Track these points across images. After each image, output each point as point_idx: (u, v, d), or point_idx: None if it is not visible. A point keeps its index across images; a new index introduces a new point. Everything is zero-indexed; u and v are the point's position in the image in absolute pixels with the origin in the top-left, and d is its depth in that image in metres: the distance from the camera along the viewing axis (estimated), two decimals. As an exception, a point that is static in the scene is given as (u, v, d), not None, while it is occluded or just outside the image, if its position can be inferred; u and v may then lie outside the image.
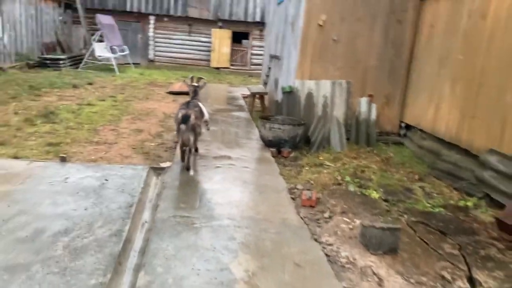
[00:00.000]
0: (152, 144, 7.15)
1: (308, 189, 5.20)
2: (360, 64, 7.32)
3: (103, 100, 10.73)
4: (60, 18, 19.33)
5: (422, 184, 5.64)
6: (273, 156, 6.60)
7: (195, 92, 6.27)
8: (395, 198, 5.09)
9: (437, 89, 6.42)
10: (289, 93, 7.32)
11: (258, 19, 22.69)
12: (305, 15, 7.03)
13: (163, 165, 6.03)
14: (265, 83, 11.69)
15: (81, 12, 18.86)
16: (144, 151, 6.68)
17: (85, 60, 17.08)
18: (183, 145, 5.50)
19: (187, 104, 5.80)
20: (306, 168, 6.15)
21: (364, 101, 7.39)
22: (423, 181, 5.77)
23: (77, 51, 20.28)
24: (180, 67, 22.26)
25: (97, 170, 5.19)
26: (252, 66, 23.64)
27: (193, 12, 22.35)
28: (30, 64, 15.56)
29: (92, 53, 17.30)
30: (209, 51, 22.96)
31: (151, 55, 22.85)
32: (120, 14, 22.05)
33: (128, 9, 21.97)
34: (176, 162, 5.78)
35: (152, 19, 22.42)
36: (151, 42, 22.72)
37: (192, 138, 5.42)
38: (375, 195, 5.18)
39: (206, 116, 6.09)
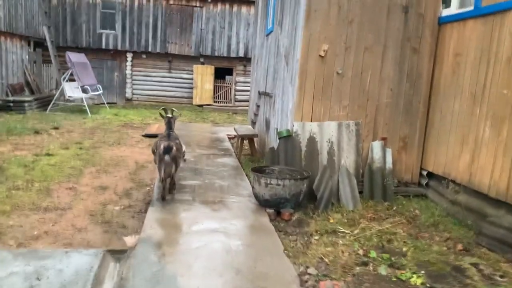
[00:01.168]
0: (117, 207, 5.66)
1: (325, 275, 3.78)
2: (370, 101, 6.07)
3: (67, 148, 9.24)
4: (27, 57, 17.95)
5: (472, 259, 4.25)
6: (271, 220, 5.18)
7: (169, 124, 6.31)
8: (446, 287, 3.69)
9: (472, 131, 5.16)
10: (287, 138, 5.99)
11: (241, 54, 21.74)
12: (302, 45, 5.81)
13: (127, 240, 4.55)
14: (253, 122, 10.39)
15: (51, 50, 17.57)
16: (105, 219, 5.19)
17: (53, 101, 15.63)
18: (166, 177, 5.61)
19: (168, 136, 5.94)
20: (316, 237, 4.73)
21: (377, 145, 6.10)
22: (472, 254, 4.40)
23: (47, 92, 18.84)
24: (160, 106, 20.83)
25: (29, 261, 3.67)
26: (236, 103, 22.49)
27: (173, 48, 21.30)
28: (-10, 108, 14.04)
29: (63, 94, 15.88)
30: (191, 88, 21.80)
31: (128, 93, 21.54)
32: (95, 51, 20.86)
33: (103, 46, 20.80)
34: (143, 240, 4.30)
35: (129, 56, 21.26)
36: (128, 80, 21.47)
37: (173, 169, 5.67)
38: (416, 280, 3.77)
39: (183, 148, 6.40)
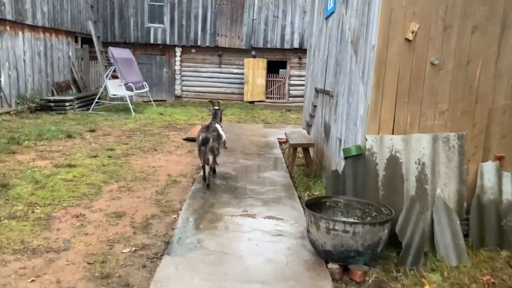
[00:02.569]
0: (126, 250, 4.25)
1: None
2: (480, 104, 4.19)
3: (94, 157, 8.08)
4: (74, 54, 17.36)
5: None
6: (334, 280, 3.54)
7: (215, 115, 7.05)
8: None
9: None
10: (357, 157, 4.26)
11: (296, 45, 19.96)
12: (380, 24, 4.05)
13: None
14: (309, 125, 8.70)
15: (97, 46, 16.83)
16: (104, 272, 3.78)
17: (96, 100, 14.79)
18: (205, 164, 6.16)
19: (206, 128, 6.43)
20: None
21: (490, 168, 4.22)
22: None
23: (94, 89, 18.21)
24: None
25: None
26: (290, 99, 20.78)
27: (223, 41, 19.95)
28: (32, 108, 13.40)
29: (107, 92, 15.03)
30: (241, 83, 20.38)
31: (178, 90, 20.52)
32: (143, 47, 20.01)
33: (151, 41, 19.88)
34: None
35: (178, 51, 20.19)
36: (177, 77, 20.43)
37: (211, 158, 6.11)
38: None
39: (224, 137, 6.71)
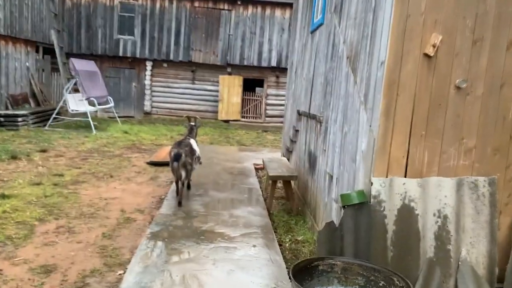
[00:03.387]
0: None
1: None
2: (515, 140, 3.28)
3: (38, 184, 6.83)
4: (33, 64, 15.97)
5: None
6: None
7: (191, 130, 7.14)
8: None
9: None
10: (359, 206, 3.25)
11: (274, 63, 19.17)
12: (393, 36, 3.10)
13: None
14: (289, 151, 7.71)
15: (59, 56, 15.50)
16: None
17: (54, 115, 13.43)
18: (178, 179, 6.09)
19: (179, 143, 6.42)
20: None
21: (527, 222, 3.28)
22: None
23: (55, 104, 16.78)
24: (181, 120, 18.51)
25: None
26: (267, 119, 19.88)
27: (197, 56, 18.96)
28: (-22, 123, 11.95)
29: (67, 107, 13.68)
30: (216, 101, 19.35)
31: (147, 106, 19.30)
32: (111, 59, 18.80)
33: (120, 53, 18.69)
34: None
35: (149, 65, 19.06)
36: (147, 92, 19.24)
37: (184, 174, 6.09)
38: None
39: (197, 152, 6.62)
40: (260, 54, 19.13)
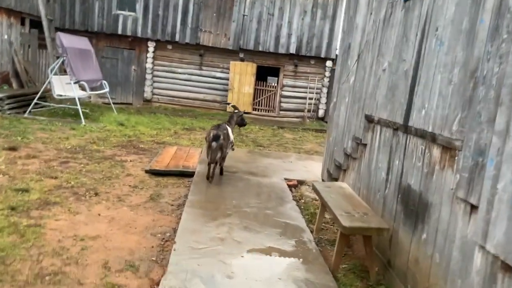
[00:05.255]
0: None
1: None
2: None
3: (-15, 208, 4.67)
4: (17, 39, 13.64)
5: None
6: None
7: (231, 118, 7.27)
8: None
9: None
10: None
11: (292, 50, 16.92)
12: None
13: None
14: (340, 169, 5.59)
15: (47, 30, 13.25)
16: None
17: (35, 101, 11.18)
18: (212, 161, 6.25)
19: (218, 126, 6.54)
20: None
21: None
22: None
23: (41, 85, 14.52)
24: (185, 111, 16.35)
25: None
26: (281, 112, 17.68)
27: (206, 39, 16.67)
28: None
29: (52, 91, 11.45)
30: (225, 90, 17.13)
31: (147, 93, 17.06)
32: (108, 37, 16.51)
33: (119, 31, 16.39)
34: None
35: (151, 46, 16.77)
36: (148, 76, 16.98)
37: (219, 155, 6.28)
38: None
39: (231, 138, 6.81)
40: (277, 39, 16.86)
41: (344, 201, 4.19)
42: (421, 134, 3.43)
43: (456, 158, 2.88)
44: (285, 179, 6.97)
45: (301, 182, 6.97)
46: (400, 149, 3.89)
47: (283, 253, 4.10)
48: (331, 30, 16.92)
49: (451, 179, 2.94)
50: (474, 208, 2.62)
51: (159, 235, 4.53)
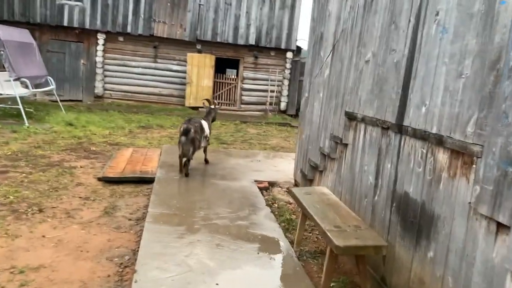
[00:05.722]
0: None
1: None
2: None
3: None
4: None
5: None
6: None
7: (208, 113, 7.41)
8: None
9: None
10: None
11: (252, 41, 16.35)
12: None
13: None
14: (317, 170, 5.13)
15: (-19, 23, 11.91)
16: None
17: (-31, 101, 10.01)
18: (183, 155, 6.29)
19: (189, 120, 6.58)
20: None
21: None
22: None
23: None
24: (140, 107, 15.43)
25: None
26: (242, 106, 17.11)
27: (160, 30, 15.76)
28: None
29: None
30: (183, 83, 16.32)
31: (98, 88, 15.96)
32: (53, 30, 15.23)
33: (65, 23, 15.15)
34: None
35: (101, 38, 15.65)
36: (99, 71, 15.87)
37: (191, 149, 6.24)
38: None
39: (207, 131, 6.89)
40: (236, 29, 16.21)
41: (330, 211, 3.69)
42: (421, 136, 2.98)
43: (474, 166, 2.43)
44: (256, 181, 6.42)
45: (272, 184, 6.45)
46: (393, 152, 3.43)
47: (264, 276, 3.56)
48: (291, 20, 16.48)
49: (467, 190, 2.49)
50: (502, 227, 2.18)
51: (116, 259, 3.86)
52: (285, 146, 10.63)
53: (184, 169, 6.33)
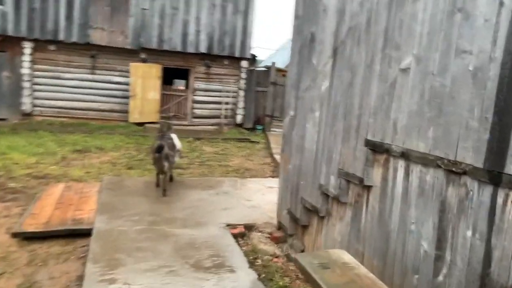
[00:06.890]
0: None
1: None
2: None
3: None
4: None
5: None
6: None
7: (169, 127, 7.10)
8: None
9: None
10: None
11: (203, 49, 14.90)
12: None
13: None
14: (317, 216, 3.83)
15: None
16: None
17: None
18: (160, 172, 6.28)
19: (162, 136, 6.53)
20: None
21: None
22: None
23: None
24: (76, 125, 13.45)
25: None
26: (194, 120, 15.57)
27: (98, 37, 13.90)
28: None
29: None
30: (126, 97, 14.49)
31: (26, 105, 13.76)
32: (-33, 37, 12.90)
33: (-18, 29, 12.91)
34: None
35: (27, 47, 13.52)
36: (26, 85, 13.68)
37: (166, 165, 6.09)
38: None
39: (178, 146, 6.76)
40: (184, 36, 14.69)
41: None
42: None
43: None
44: (228, 225, 4.99)
45: (249, 228, 5.04)
46: (477, 212, 2.16)
47: None
48: (245, 26, 15.24)
49: None
50: None
51: None
52: (249, 168, 9.27)
53: (162, 187, 6.14)
